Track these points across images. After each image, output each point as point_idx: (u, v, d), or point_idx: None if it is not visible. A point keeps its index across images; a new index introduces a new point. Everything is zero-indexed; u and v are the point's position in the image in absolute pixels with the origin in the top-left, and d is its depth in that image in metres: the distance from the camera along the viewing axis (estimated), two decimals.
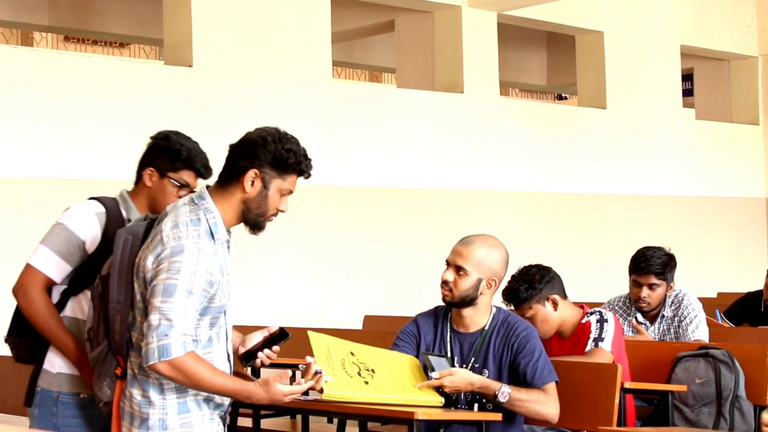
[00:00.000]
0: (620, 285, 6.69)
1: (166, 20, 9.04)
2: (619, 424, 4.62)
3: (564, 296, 5.10)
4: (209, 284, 3.51)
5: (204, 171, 4.15)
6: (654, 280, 6.02)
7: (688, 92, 13.89)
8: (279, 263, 9.02)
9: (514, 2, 10.60)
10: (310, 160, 3.66)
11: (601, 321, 5.07)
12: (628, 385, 4.89)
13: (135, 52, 15.64)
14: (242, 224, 3.65)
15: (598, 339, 5.02)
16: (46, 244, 3.94)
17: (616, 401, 4.59)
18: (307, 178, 3.69)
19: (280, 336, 3.79)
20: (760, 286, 7.42)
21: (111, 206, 4.03)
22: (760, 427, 3.27)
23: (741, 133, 13.35)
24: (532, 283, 5.06)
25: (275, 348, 3.79)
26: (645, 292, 6.05)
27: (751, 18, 13.47)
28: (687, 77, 13.78)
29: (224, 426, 3.75)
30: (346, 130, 9.60)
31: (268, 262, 8.90)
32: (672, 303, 6.22)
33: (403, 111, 10.05)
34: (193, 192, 4.06)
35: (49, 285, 3.94)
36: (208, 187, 3.69)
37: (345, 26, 11.22)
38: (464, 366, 4.42)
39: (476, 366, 4.41)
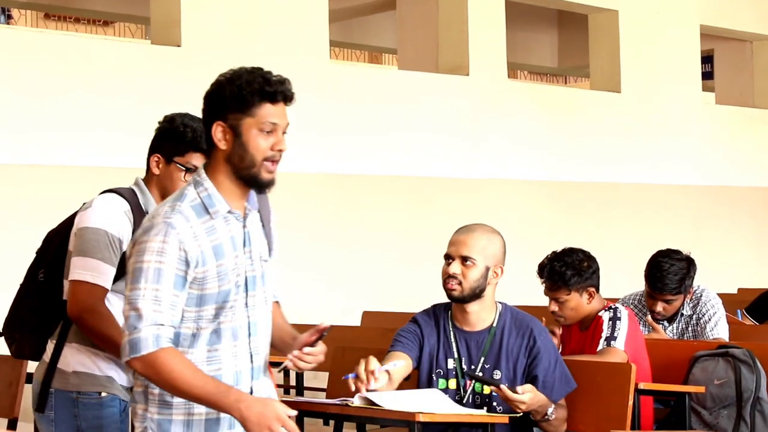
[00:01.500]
0: (634, 278, 6.70)
1: None
2: (633, 427, 4.62)
3: (598, 289, 5.21)
4: (185, 263, 3.17)
5: None
6: (670, 297, 6.01)
7: (707, 75, 13.90)
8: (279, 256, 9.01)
9: None
10: (277, 80, 3.29)
11: (614, 319, 5.12)
12: (642, 386, 4.89)
13: (120, 31, 15.62)
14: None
15: (611, 338, 5.05)
16: (92, 255, 3.81)
17: (630, 403, 4.60)
18: (287, 102, 3.33)
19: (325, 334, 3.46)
20: None
21: (133, 201, 3.94)
22: None
23: (764, 118, 13.35)
24: (579, 270, 5.18)
25: (307, 349, 3.44)
26: (660, 306, 6.04)
27: None
28: (707, 59, 13.78)
29: None
30: (343, 115, 9.59)
31: None
32: (690, 300, 6.22)
33: (405, 94, 10.04)
34: None
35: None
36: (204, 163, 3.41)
37: (343, 4, 11.22)
38: (473, 367, 4.42)
39: (486, 367, 4.40)
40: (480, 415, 4.26)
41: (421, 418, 3.98)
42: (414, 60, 10.70)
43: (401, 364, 4.31)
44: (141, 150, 8.79)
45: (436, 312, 4.59)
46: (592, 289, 5.23)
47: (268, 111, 3.26)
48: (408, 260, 9.64)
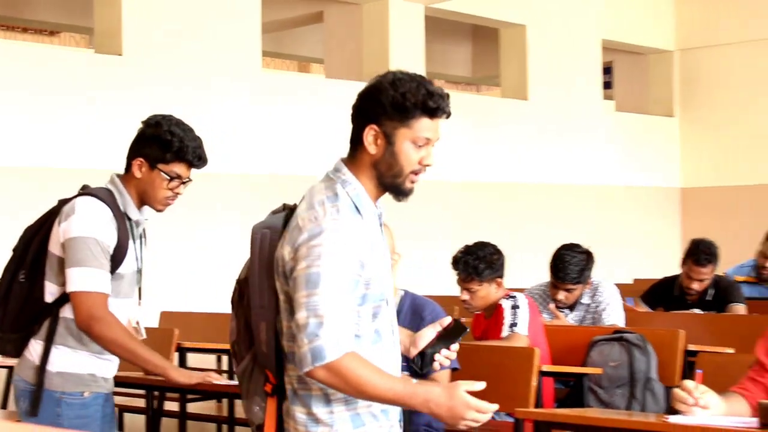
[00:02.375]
0: (540, 272, 6.76)
1: (96, 8, 8.94)
2: (536, 406, 4.66)
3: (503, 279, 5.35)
4: (360, 266, 2.89)
5: (197, 162, 3.83)
6: (571, 286, 6.11)
7: (608, 85, 14.03)
8: (212, 250, 8.96)
9: None
10: (440, 95, 3.01)
11: (515, 306, 5.20)
12: (545, 368, 4.94)
13: (65, 41, 15.42)
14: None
15: (513, 324, 5.12)
16: (88, 264, 3.66)
17: (534, 384, 4.64)
18: (446, 117, 3.06)
19: (456, 330, 3.14)
20: (676, 271, 7.52)
21: (113, 204, 3.76)
22: (671, 404, 3.32)
23: (657, 124, 13.51)
24: (490, 263, 5.28)
25: (454, 346, 3.14)
26: (562, 295, 6.15)
27: (668, 14, 13.63)
28: (607, 70, 13.91)
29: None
30: (275, 120, 9.57)
31: (201, 248, 8.84)
32: (589, 290, 6.30)
33: (331, 101, 10.04)
34: (186, 183, 3.87)
35: None
36: (342, 159, 3.14)
37: (274, 17, 11.17)
38: None
39: None
40: None
41: None
42: (339, 69, 10.69)
43: None
44: (85, 153, 8.77)
45: None
46: (500, 280, 5.33)
47: (425, 125, 3.02)
48: None
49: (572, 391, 5.45)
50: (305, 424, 2.94)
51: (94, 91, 8.46)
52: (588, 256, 6.17)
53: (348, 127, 9.93)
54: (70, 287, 3.68)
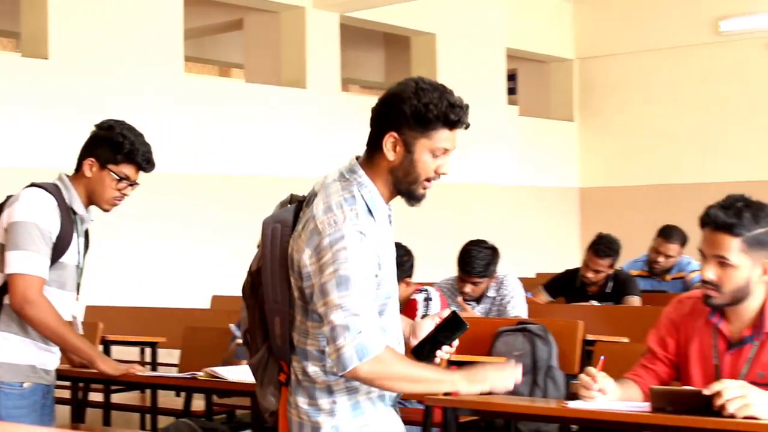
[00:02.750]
0: (448, 266, 6.79)
1: (23, 12, 8.77)
2: (445, 394, 4.68)
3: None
4: (378, 267, 2.87)
5: (146, 165, 3.85)
6: (477, 279, 6.15)
7: (512, 91, 14.15)
8: (135, 246, 8.86)
9: (354, 4, 10.63)
10: (461, 107, 2.97)
11: (427, 299, 5.23)
12: (453, 357, 4.96)
13: None
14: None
15: (425, 316, 5.14)
16: (27, 248, 3.61)
17: None
18: (465, 128, 3.02)
19: (454, 323, 3.08)
20: (575, 266, 7.60)
21: (58, 196, 3.74)
22: (574, 389, 3.35)
23: (558, 128, 13.67)
24: (399, 265, 5.23)
25: (455, 343, 3.10)
26: (469, 288, 6.18)
27: (568, 24, 13.80)
28: (511, 77, 14.03)
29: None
30: (197, 122, 9.49)
31: (124, 244, 8.74)
32: (495, 284, 6.35)
33: (251, 104, 9.99)
34: (135, 185, 3.88)
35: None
36: (357, 157, 3.05)
37: (196, 23, 11.08)
38: None
39: None
40: None
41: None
42: (259, 74, 10.64)
43: None
44: (11, 154, 8.58)
45: None
46: (408, 279, 5.36)
47: (444, 136, 2.96)
48: (253, 250, 9.56)
49: None
50: (308, 413, 2.94)
51: (20, 95, 8.30)
52: (494, 252, 6.22)
53: (267, 129, 9.87)
54: (7, 269, 3.65)
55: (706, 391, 2.89)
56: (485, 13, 12.49)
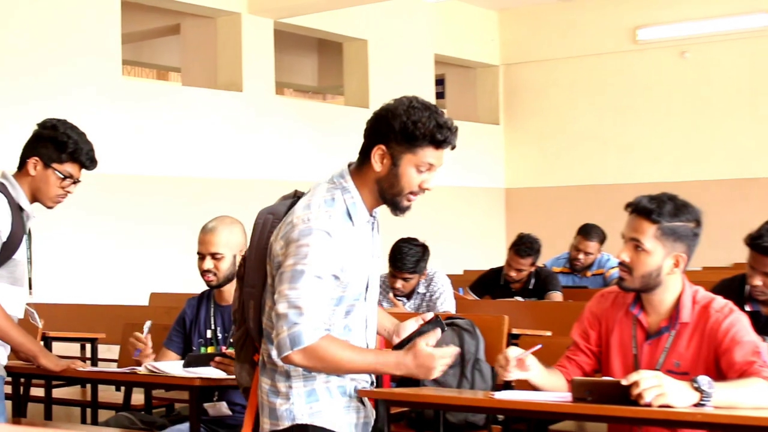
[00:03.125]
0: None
1: None
2: (377, 386, 4.70)
3: None
4: (340, 270, 2.94)
5: (89, 164, 3.84)
6: (408, 275, 6.16)
7: (440, 95, 14.22)
8: (75, 245, 8.77)
9: (288, 11, 10.61)
10: (449, 128, 3.03)
11: None
12: (383, 351, 4.98)
13: None
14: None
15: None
16: None
17: None
18: (451, 149, 3.07)
19: (435, 325, 3.17)
20: (500, 263, 7.67)
21: (6, 194, 3.72)
22: (499, 382, 3.38)
23: (485, 131, 13.76)
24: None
25: (431, 342, 3.12)
26: (400, 283, 6.19)
27: (494, 32, 13.90)
28: (440, 82, 14.10)
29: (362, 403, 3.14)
30: (135, 124, 9.41)
31: (65, 243, 8.64)
32: (425, 280, 6.37)
33: (188, 107, 9.93)
34: (76, 183, 3.87)
35: None
36: (350, 164, 3.12)
37: (134, 28, 10.99)
38: (226, 335, 4.44)
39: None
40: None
41: (198, 383, 3.96)
42: (196, 78, 10.58)
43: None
44: None
45: (203, 294, 4.60)
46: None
47: (430, 154, 3.03)
48: (191, 249, 9.51)
49: None
50: (267, 393, 3.05)
51: None
52: (424, 249, 6.25)
53: (203, 131, 9.79)
54: None
55: (624, 382, 2.95)
56: (415, 20, 12.54)
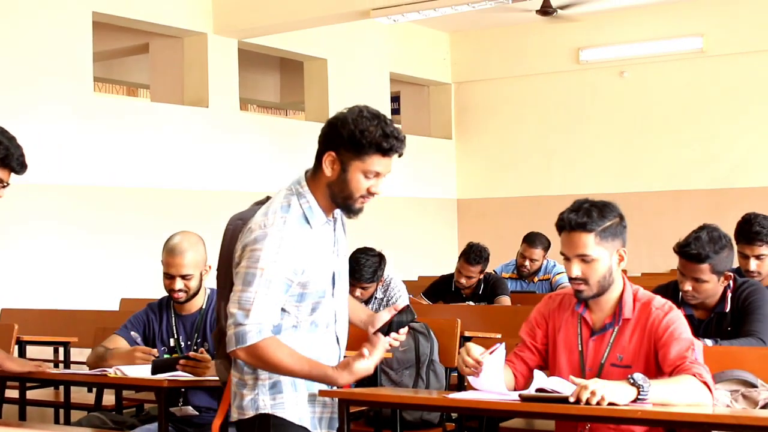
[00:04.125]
0: None
1: None
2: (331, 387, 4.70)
3: None
4: (293, 272, 2.97)
5: (19, 168, 3.74)
6: (366, 285, 6.13)
7: (395, 111, 14.24)
8: (49, 253, 8.67)
9: (252, 31, 10.58)
10: (395, 137, 3.00)
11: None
12: (345, 352, 4.97)
13: None
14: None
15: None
16: None
17: None
18: (399, 156, 3.05)
19: (406, 316, 3.17)
20: (453, 270, 7.68)
21: None
22: (457, 366, 3.37)
23: (438, 146, 13.80)
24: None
25: (402, 331, 3.17)
26: (358, 292, 6.16)
27: (446, 52, 13.95)
28: (395, 99, 14.13)
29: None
30: (106, 138, 9.33)
31: (39, 251, 8.55)
32: (382, 286, 6.36)
33: (157, 122, 9.87)
34: (6, 186, 3.78)
35: None
36: (307, 171, 3.15)
37: (105, 47, 10.91)
38: (189, 343, 4.43)
39: (198, 341, 4.43)
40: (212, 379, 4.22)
41: (166, 384, 3.93)
42: (164, 94, 10.52)
43: None
44: None
45: (161, 302, 4.57)
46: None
47: (376, 161, 3.03)
48: (158, 257, 9.44)
49: None
50: (236, 385, 3.10)
51: None
52: (380, 258, 6.24)
53: (171, 146, 9.74)
54: None
55: (571, 399, 2.99)
56: (372, 41, 12.55)
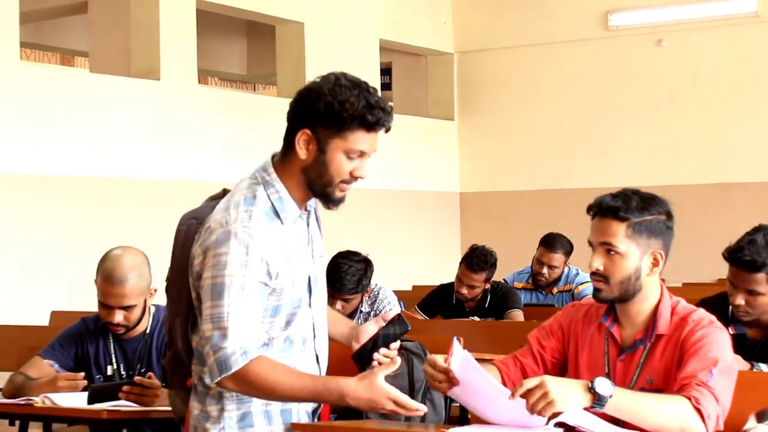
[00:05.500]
0: None
1: None
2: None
3: None
4: (267, 275, 2.90)
5: None
6: (348, 296, 6.09)
7: (386, 86, 14.23)
8: None
9: None
10: (381, 108, 2.97)
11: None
12: None
13: None
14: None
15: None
16: None
17: None
18: (385, 131, 3.03)
19: (396, 327, 3.14)
20: (453, 279, 7.65)
21: None
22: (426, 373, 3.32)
23: (437, 128, 13.79)
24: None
25: (393, 345, 3.16)
26: (339, 305, 6.11)
27: (447, 15, 13.94)
28: (386, 71, 14.12)
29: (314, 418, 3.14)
30: (35, 116, 9.28)
31: None
32: (369, 298, 6.34)
33: (97, 97, 9.83)
34: None
35: None
36: (273, 155, 3.11)
37: (34, 6, 10.87)
38: (131, 372, 4.41)
39: (142, 371, 4.41)
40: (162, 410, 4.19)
41: (105, 416, 3.91)
42: (105, 63, 10.48)
43: None
44: None
45: (98, 322, 4.55)
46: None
47: (360, 138, 2.99)
48: (95, 260, 9.41)
49: None
50: (198, 419, 3.03)
51: None
52: (366, 265, 6.19)
53: (114, 125, 9.70)
54: None
55: (510, 398, 3.01)
56: (358, 1, 12.53)
